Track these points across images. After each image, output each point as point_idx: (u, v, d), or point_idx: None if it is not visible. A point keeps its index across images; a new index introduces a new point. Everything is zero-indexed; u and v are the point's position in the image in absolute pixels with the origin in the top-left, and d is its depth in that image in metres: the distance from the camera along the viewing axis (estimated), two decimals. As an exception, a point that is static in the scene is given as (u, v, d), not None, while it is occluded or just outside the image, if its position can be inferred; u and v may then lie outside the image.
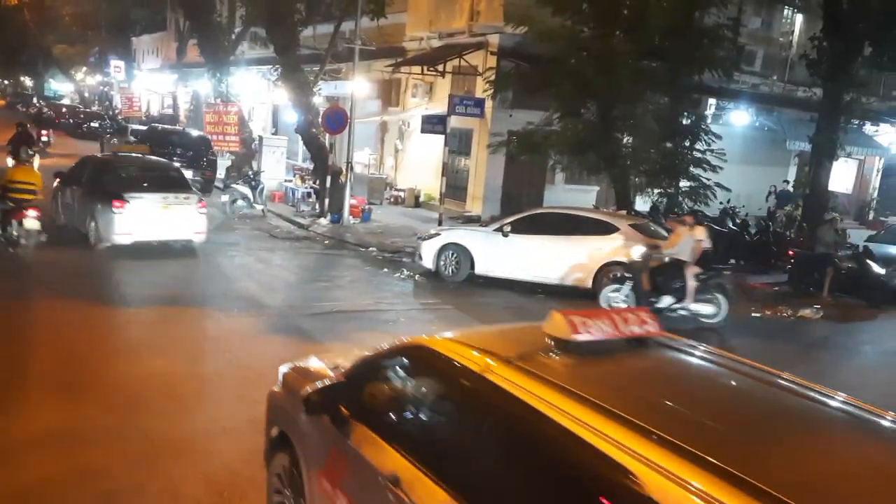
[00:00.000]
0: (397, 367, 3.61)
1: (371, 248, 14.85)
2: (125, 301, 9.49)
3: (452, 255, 12.48)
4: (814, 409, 2.88)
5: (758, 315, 11.87)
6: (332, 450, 3.67)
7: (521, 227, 12.27)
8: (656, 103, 14.54)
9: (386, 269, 13.09)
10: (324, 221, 17.28)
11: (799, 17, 22.60)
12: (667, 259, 10.44)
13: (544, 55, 14.50)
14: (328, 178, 17.66)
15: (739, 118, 20.37)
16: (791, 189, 20.44)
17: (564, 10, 14.06)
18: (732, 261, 16.08)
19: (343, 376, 3.88)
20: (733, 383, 3.16)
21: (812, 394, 2.97)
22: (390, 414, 3.50)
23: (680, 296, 10.27)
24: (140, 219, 11.65)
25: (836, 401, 2.90)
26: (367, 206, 18.61)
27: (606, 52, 13.34)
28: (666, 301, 10.17)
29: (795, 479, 2.15)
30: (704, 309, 10.48)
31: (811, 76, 16.71)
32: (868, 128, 23.06)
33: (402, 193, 21.83)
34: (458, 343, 3.33)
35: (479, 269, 12.33)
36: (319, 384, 3.86)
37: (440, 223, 16.19)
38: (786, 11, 22.77)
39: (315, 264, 13.45)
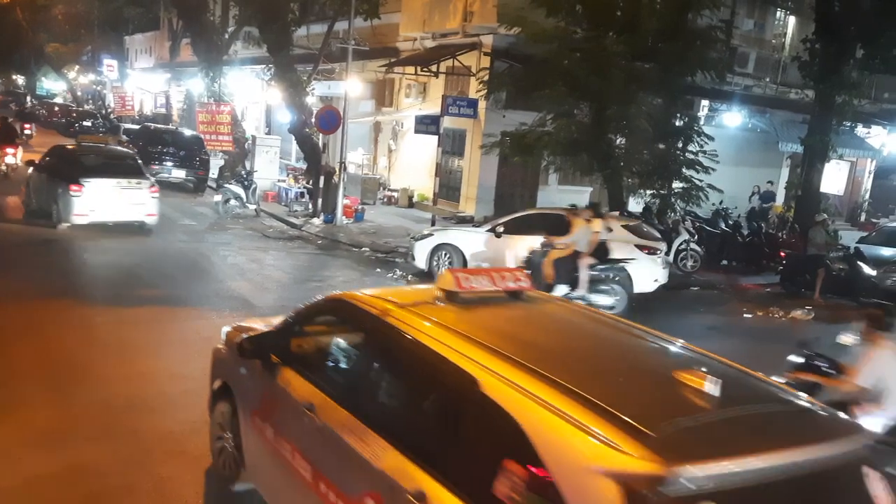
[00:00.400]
0: (317, 317, 4.40)
1: (364, 248, 14.83)
2: (117, 301, 9.44)
3: (445, 255, 12.48)
4: (637, 344, 3.71)
5: (749, 316, 11.91)
6: (263, 392, 4.34)
7: (514, 228, 12.28)
8: (649, 104, 14.56)
9: (379, 269, 13.07)
10: (317, 221, 17.24)
11: (792, 20, 22.69)
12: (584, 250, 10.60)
13: (538, 56, 14.51)
14: (321, 178, 17.62)
15: (732, 120, 20.43)
16: (773, 190, 20.47)
17: (558, 12, 14.07)
18: (724, 262, 16.20)
19: (273, 328, 4.57)
20: (583, 325, 3.98)
21: (645, 335, 3.76)
22: (310, 357, 4.34)
23: (574, 285, 10.45)
24: (96, 201, 12.85)
25: (667, 342, 3.69)
26: (360, 207, 18.58)
27: (599, 54, 13.36)
28: (560, 290, 10.22)
29: (599, 387, 2.90)
30: (601, 299, 10.66)
31: (803, 78, 16.79)
32: (860, 130, 23.18)
33: (395, 194, 21.81)
34: (368, 296, 4.04)
35: (473, 267, 12.34)
36: (253, 334, 4.54)
37: (433, 223, 16.19)
38: (778, 14, 22.86)
39: (308, 264, 13.41)
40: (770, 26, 22.75)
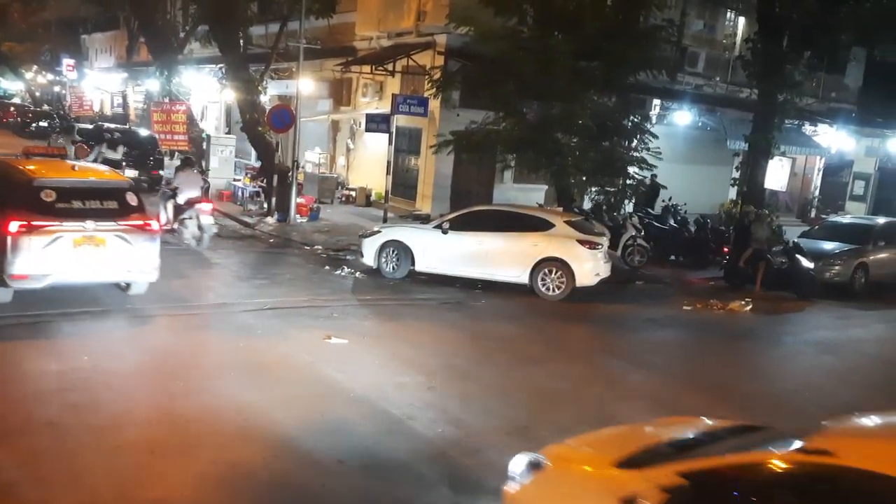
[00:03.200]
0: None
1: (316, 247, 14.84)
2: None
3: (393, 252, 12.57)
4: None
5: (689, 308, 12.20)
6: None
7: (461, 225, 12.42)
8: (595, 103, 14.79)
9: (328, 267, 13.11)
10: (270, 220, 17.21)
11: (741, 20, 23.17)
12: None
13: (488, 55, 14.67)
14: (275, 177, 17.59)
15: (683, 118, 20.82)
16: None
17: (506, 11, 14.23)
18: (673, 257, 16.54)
19: None
20: None
21: None
22: None
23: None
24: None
25: None
26: (315, 205, 18.57)
27: (545, 52, 13.55)
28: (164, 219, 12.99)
29: None
30: (187, 234, 13.30)
31: (746, 77, 17.19)
32: (808, 128, 23.77)
33: (353, 192, 21.83)
34: None
35: (420, 265, 12.44)
36: None
37: (385, 221, 16.26)
38: (729, 14, 23.34)
39: (256, 262, 13.41)
40: (720, 26, 23.22)
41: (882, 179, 27.42)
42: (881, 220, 16.85)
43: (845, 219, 18.28)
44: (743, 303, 12.49)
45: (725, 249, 15.08)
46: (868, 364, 9.62)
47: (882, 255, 15.02)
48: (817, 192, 26.44)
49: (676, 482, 3.33)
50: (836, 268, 14.35)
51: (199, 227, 13.34)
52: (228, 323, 9.07)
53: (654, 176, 16.81)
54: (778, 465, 3.27)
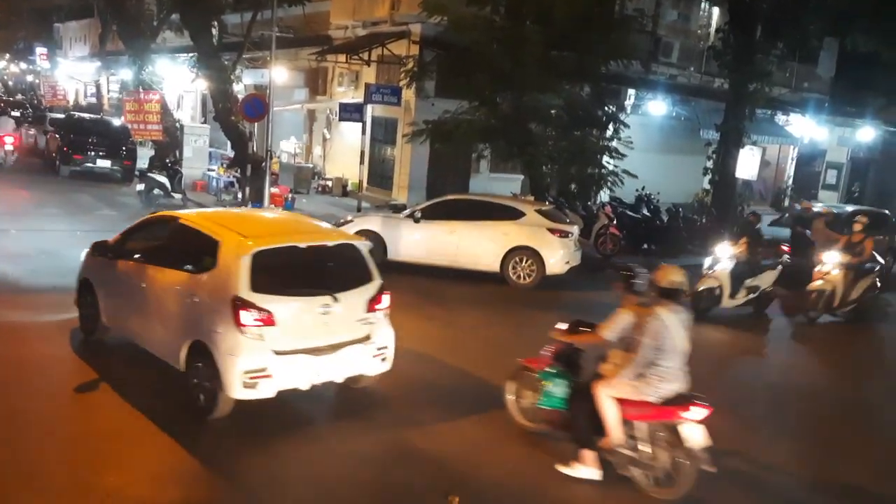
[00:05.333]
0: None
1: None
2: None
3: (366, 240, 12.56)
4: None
5: (656, 295, 12.33)
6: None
7: (432, 214, 12.47)
8: (567, 92, 14.87)
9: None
10: (245, 210, 17.14)
11: (715, 10, 23.35)
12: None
13: (462, 45, 14.68)
14: (248, 167, 17.48)
15: (657, 108, 20.96)
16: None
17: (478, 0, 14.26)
18: (645, 246, 16.66)
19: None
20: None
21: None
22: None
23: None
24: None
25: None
26: (290, 195, 18.48)
27: (517, 42, 13.59)
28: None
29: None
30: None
31: (717, 67, 17.36)
32: (781, 118, 24.05)
33: (329, 182, 21.77)
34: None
35: (392, 254, 12.46)
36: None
37: (359, 210, 16.27)
38: (703, 4, 23.50)
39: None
40: (694, 17, 23.38)
41: (854, 169, 27.85)
42: (849, 208, 17.12)
43: (816, 207, 18.51)
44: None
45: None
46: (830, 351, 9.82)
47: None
48: (790, 182, 26.76)
49: None
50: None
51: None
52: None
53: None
54: None
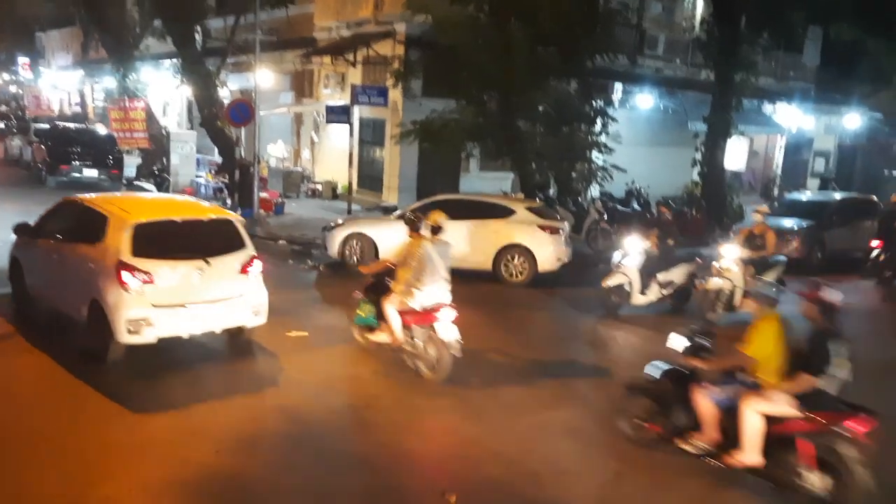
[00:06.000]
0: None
1: (280, 241, 14.73)
2: None
3: (356, 243, 12.53)
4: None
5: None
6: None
7: (424, 214, 12.39)
8: (554, 89, 14.84)
9: (291, 261, 13.05)
10: (234, 216, 17.02)
11: (700, 1, 23.37)
12: None
13: (447, 43, 14.62)
14: (237, 173, 17.39)
15: (645, 101, 20.97)
16: None
17: (462, -3, 14.20)
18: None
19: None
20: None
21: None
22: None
23: None
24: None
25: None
26: (279, 200, 18.44)
27: (502, 40, 13.54)
28: None
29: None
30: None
31: (703, 58, 17.38)
32: (767, 108, 24.12)
33: (319, 186, 21.68)
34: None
35: (383, 256, 12.39)
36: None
37: (349, 213, 16.21)
38: (687, -4, 23.55)
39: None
40: (679, 9, 23.39)
41: (841, 156, 27.99)
42: (837, 196, 17.18)
43: (804, 196, 18.58)
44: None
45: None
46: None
47: (837, 231, 15.32)
48: (779, 171, 26.85)
49: None
50: (793, 244, 14.60)
51: None
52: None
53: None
54: None
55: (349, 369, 7.92)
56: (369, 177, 20.82)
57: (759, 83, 18.09)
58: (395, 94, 17.94)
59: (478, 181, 19.85)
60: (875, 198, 17.62)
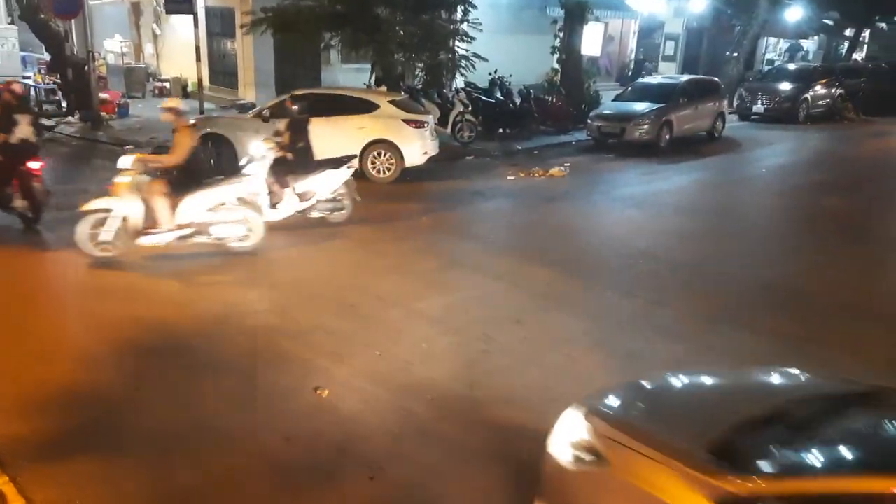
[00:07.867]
0: None
1: (128, 147, 13.65)
2: None
3: (211, 145, 11.88)
4: None
5: (512, 178, 12.72)
6: None
7: (281, 111, 11.88)
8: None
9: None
10: (73, 120, 15.58)
11: None
12: None
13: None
14: (69, 72, 15.75)
15: (504, -13, 20.72)
16: None
17: None
18: (501, 129, 16.91)
19: None
20: None
21: None
22: None
23: None
24: None
25: None
26: (123, 100, 17.00)
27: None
28: None
29: None
30: None
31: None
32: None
33: (166, 84, 20.15)
34: None
35: (242, 158, 11.88)
36: None
37: (202, 113, 15.26)
38: None
39: (58, 170, 12.19)
40: None
41: (689, 39, 29.31)
42: (684, 78, 18.09)
43: (654, 79, 19.42)
44: (562, 168, 13.20)
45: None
46: (664, 212, 10.62)
47: (684, 112, 16.26)
48: (633, 56, 27.82)
49: None
50: (645, 127, 15.41)
51: None
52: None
53: None
54: None
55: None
56: (222, 73, 19.58)
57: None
58: (242, -20, 16.62)
59: (340, 74, 19.16)
60: (717, 79, 18.78)
